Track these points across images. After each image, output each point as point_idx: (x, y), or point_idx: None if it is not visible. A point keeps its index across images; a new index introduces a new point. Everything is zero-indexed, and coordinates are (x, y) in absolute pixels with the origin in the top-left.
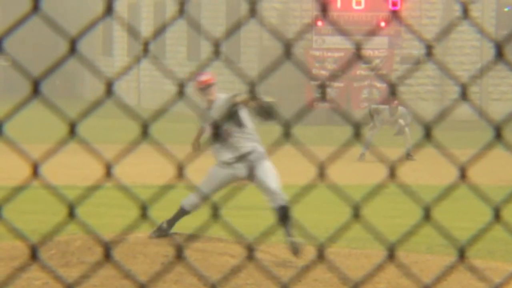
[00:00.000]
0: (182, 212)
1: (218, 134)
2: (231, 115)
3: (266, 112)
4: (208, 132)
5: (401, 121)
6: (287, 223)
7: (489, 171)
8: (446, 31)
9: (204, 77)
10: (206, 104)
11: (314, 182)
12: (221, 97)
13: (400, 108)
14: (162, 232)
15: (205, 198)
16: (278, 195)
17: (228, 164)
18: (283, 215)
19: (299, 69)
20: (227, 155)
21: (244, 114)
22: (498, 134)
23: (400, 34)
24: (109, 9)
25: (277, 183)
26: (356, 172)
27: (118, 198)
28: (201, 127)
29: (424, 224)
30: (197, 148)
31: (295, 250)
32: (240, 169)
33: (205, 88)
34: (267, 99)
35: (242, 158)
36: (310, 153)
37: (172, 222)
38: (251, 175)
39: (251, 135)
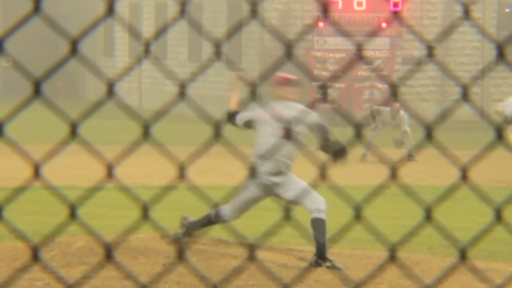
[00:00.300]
0: (217, 219)
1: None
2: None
3: (335, 152)
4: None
5: (405, 127)
6: (317, 238)
7: (491, 172)
8: (447, 32)
9: (288, 75)
10: (279, 99)
11: (315, 182)
12: (299, 107)
13: (401, 112)
14: (190, 230)
15: (234, 215)
16: (313, 207)
17: (261, 178)
18: (314, 228)
19: (300, 70)
20: (267, 166)
21: (301, 135)
22: (499, 135)
23: (401, 35)
24: (110, 10)
25: (301, 194)
26: (357, 173)
27: (119, 199)
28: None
29: (425, 225)
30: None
31: (317, 265)
32: (271, 185)
33: (286, 84)
34: (338, 139)
35: (277, 171)
36: (312, 154)
37: (198, 226)
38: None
39: (295, 155)
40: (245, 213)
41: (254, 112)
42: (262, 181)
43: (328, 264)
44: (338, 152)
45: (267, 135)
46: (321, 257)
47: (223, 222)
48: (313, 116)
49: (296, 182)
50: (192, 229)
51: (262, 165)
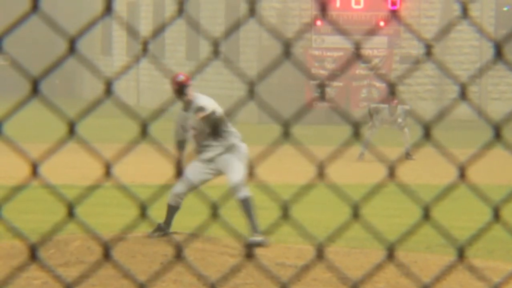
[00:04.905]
0: (171, 209)
1: (197, 135)
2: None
3: (213, 125)
4: (191, 132)
5: (400, 120)
6: (249, 215)
7: (488, 171)
8: (445, 31)
9: (180, 78)
10: (184, 105)
11: (313, 181)
12: (199, 96)
13: (399, 108)
14: (161, 231)
15: (183, 187)
16: (239, 187)
17: (209, 161)
18: (245, 207)
19: (299, 68)
20: (208, 154)
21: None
22: (497, 134)
23: (399, 33)
24: (108, 9)
25: (239, 176)
26: (355, 171)
27: (117, 198)
28: (178, 136)
29: (423, 223)
30: (183, 163)
31: (254, 245)
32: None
33: (181, 89)
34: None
35: (221, 154)
36: (309, 152)
37: (167, 221)
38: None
39: (227, 132)
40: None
41: (180, 132)
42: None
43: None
44: (213, 123)
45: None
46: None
47: (179, 200)
48: (200, 98)
49: (235, 162)
50: (166, 227)
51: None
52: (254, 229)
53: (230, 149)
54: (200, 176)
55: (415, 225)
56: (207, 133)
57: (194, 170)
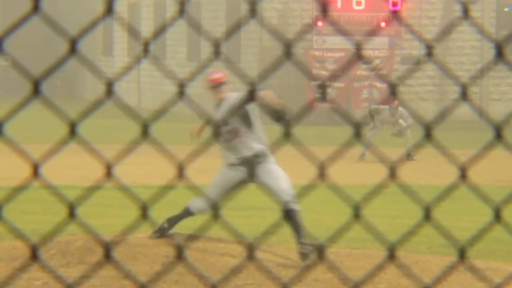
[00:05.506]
0: (187, 214)
1: (227, 133)
2: (242, 114)
3: (277, 115)
4: (215, 130)
5: (402, 122)
6: (295, 227)
7: (489, 171)
8: (446, 31)
9: (215, 75)
10: (216, 102)
11: (314, 182)
12: (232, 95)
13: (400, 109)
14: (163, 232)
15: (212, 203)
16: (285, 197)
17: (233, 165)
18: (290, 219)
19: (300, 69)
20: (233, 157)
21: (254, 115)
22: (498, 134)
23: (400, 34)
24: (109, 9)
25: (283, 185)
26: (356, 172)
27: (118, 198)
28: (205, 121)
29: (424, 224)
30: (195, 136)
31: (304, 256)
32: (245, 172)
33: (216, 86)
34: (280, 103)
35: (247, 160)
36: (310, 153)
37: (174, 221)
38: (255, 178)
39: (259, 136)
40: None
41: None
42: (234, 167)
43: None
44: (277, 114)
45: (220, 143)
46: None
47: (199, 214)
48: (234, 97)
49: (275, 170)
50: (169, 228)
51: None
52: (301, 240)
53: (260, 155)
54: (227, 186)
55: (416, 225)
56: (239, 132)
57: (222, 179)
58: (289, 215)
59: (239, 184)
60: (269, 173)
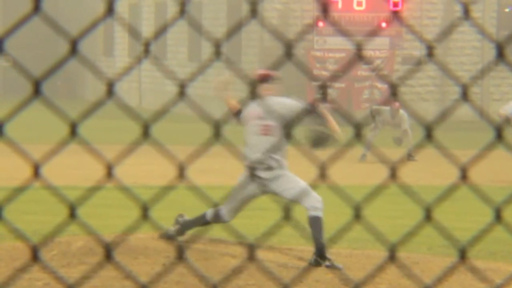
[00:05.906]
0: (203, 222)
1: (263, 126)
2: (287, 121)
3: (320, 140)
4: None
5: (405, 126)
6: (315, 235)
7: (490, 172)
8: (447, 32)
9: (263, 71)
10: (258, 97)
11: (315, 182)
12: (288, 100)
13: (401, 111)
14: (171, 238)
15: (230, 214)
16: (316, 204)
17: (252, 170)
18: (311, 226)
19: (300, 69)
20: (253, 156)
21: (292, 128)
22: (499, 135)
23: (401, 34)
24: (110, 10)
25: (299, 193)
26: (357, 172)
27: (119, 199)
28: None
29: (425, 224)
30: (223, 91)
31: (316, 263)
32: (263, 185)
33: (264, 81)
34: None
35: (267, 166)
36: (311, 153)
37: (188, 227)
38: (274, 190)
39: (283, 147)
40: (240, 212)
41: (244, 111)
42: (254, 177)
43: (327, 263)
44: (319, 139)
45: (249, 134)
46: (320, 256)
47: (222, 223)
48: (293, 105)
49: (294, 180)
50: (186, 228)
51: (251, 162)
52: (320, 250)
53: (276, 164)
54: (248, 198)
55: (417, 226)
56: (274, 131)
57: (241, 193)
58: (311, 222)
59: (258, 196)
60: (288, 182)
